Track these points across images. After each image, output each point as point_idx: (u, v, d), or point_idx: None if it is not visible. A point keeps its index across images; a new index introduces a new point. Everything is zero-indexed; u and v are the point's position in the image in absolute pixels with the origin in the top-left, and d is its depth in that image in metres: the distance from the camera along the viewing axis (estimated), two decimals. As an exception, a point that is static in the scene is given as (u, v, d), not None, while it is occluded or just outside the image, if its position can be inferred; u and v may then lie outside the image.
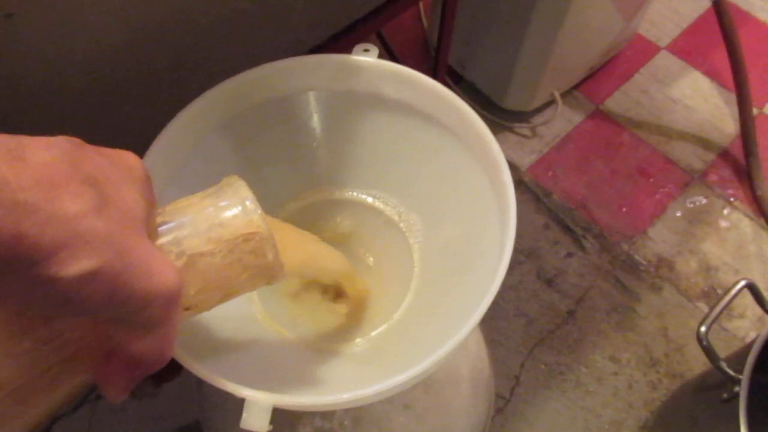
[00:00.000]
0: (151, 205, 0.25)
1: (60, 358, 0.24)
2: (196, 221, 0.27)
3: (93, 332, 0.25)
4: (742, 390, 0.58)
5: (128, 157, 0.25)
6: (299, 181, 0.46)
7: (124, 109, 0.47)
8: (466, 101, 0.39)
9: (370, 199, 0.47)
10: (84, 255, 0.20)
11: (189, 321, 0.34)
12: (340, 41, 0.61)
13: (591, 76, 1.12)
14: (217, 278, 0.27)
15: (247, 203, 0.28)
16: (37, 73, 0.35)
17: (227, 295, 0.29)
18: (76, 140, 0.22)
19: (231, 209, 0.28)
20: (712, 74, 1.15)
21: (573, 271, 0.95)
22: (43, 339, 0.23)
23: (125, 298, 0.21)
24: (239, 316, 0.40)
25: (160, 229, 0.26)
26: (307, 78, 0.41)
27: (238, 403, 0.54)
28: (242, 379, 0.31)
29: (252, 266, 0.28)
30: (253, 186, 0.29)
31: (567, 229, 0.98)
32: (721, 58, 1.11)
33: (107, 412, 0.84)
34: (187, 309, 0.28)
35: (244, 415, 0.29)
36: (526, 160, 1.04)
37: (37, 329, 0.23)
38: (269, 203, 0.45)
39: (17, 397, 0.23)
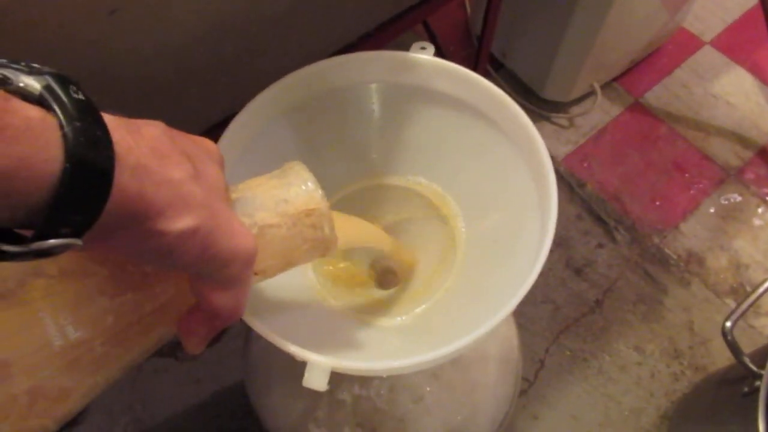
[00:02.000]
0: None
1: (153, 308, 0.28)
2: (264, 198, 0.31)
3: (180, 288, 0.29)
4: (763, 385, 0.59)
5: (207, 141, 0.29)
6: (354, 165, 0.50)
7: (190, 91, 0.50)
8: (505, 89, 0.41)
9: (418, 186, 0.50)
10: (186, 214, 0.23)
11: (256, 293, 0.38)
12: (389, 29, 0.63)
13: (631, 68, 1.12)
14: (281, 247, 0.31)
15: (309, 183, 0.32)
16: (129, 64, 0.38)
17: (288, 263, 0.32)
18: (165, 124, 0.26)
19: (294, 188, 0.32)
20: (755, 71, 1.14)
21: (602, 262, 0.97)
22: (141, 291, 0.28)
23: (213, 255, 0.25)
24: (297, 288, 0.44)
25: (234, 203, 0.30)
26: (369, 72, 0.44)
27: (281, 367, 0.58)
28: (301, 344, 0.34)
29: (311, 238, 0.32)
30: (311, 168, 0.33)
31: (599, 220, 1.00)
32: (766, 56, 1.11)
33: (151, 372, 0.89)
34: (255, 274, 0.31)
35: (306, 375, 0.32)
36: (561, 150, 1.06)
37: (137, 282, 0.28)
38: (325, 186, 0.49)
39: (119, 339, 0.28)
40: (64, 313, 0.26)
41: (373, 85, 0.45)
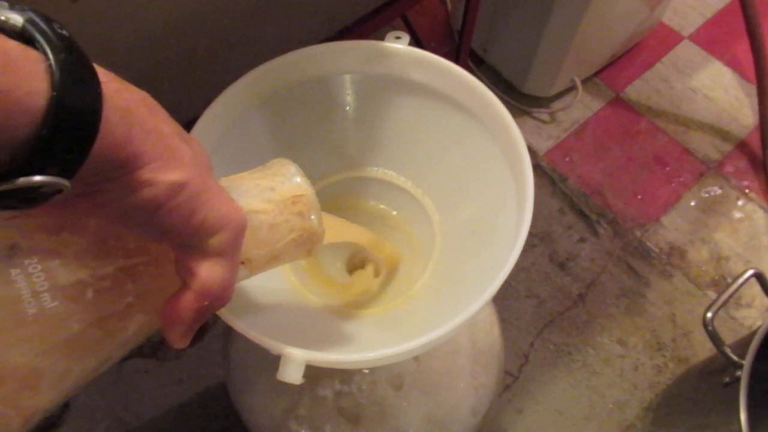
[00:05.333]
0: None
1: (135, 290, 0.27)
2: (249, 186, 0.30)
3: (163, 269, 0.27)
4: (744, 375, 0.60)
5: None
6: (329, 158, 0.49)
7: (163, 86, 0.49)
8: (487, 85, 0.41)
9: (395, 178, 0.49)
10: (175, 167, 0.23)
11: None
12: (367, 23, 0.63)
13: (612, 63, 1.13)
14: (268, 236, 0.30)
15: (296, 175, 0.31)
16: (97, 56, 0.37)
17: (275, 257, 0.31)
18: None
19: (280, 177, 0.31)
20: (733, 65, 1.15)
21: (585, 256, 0.97)
22: (123, 269, 0.26)
23: (202, 220, 0.24)
24: (276, 284, 0.44)
25: None
26: (342, 62, 0.44)
27: (262, 366, 0.57)
28: (276, 338, 0.33)
29: (298, 227, 0.31)
30: (286, 161, 0.32)
31: (581, 215, 1.00)
32: (743, 50, 1.12)
33: (132, 373, 0.88)
34: (242, 263, 0.30)
35: (281, 368, 0.32)
36: (543, 145, 1.06)
37: (118, 257, 0.26)
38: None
39: (98, 320, 0.26)
40: (40, 279, 0.24)
41: (348, 76, 0.45)
